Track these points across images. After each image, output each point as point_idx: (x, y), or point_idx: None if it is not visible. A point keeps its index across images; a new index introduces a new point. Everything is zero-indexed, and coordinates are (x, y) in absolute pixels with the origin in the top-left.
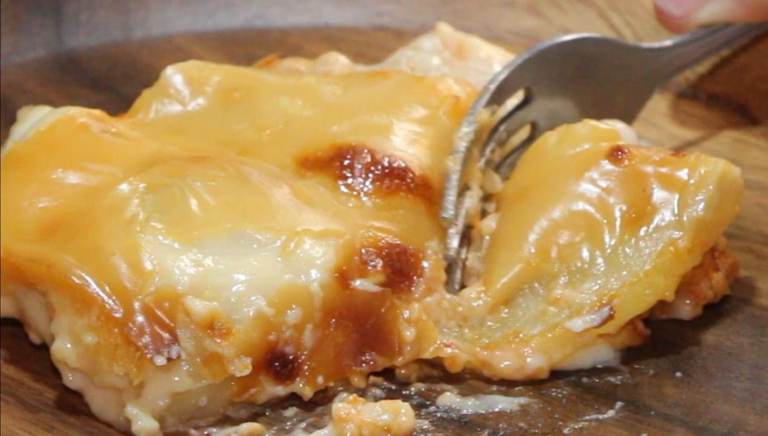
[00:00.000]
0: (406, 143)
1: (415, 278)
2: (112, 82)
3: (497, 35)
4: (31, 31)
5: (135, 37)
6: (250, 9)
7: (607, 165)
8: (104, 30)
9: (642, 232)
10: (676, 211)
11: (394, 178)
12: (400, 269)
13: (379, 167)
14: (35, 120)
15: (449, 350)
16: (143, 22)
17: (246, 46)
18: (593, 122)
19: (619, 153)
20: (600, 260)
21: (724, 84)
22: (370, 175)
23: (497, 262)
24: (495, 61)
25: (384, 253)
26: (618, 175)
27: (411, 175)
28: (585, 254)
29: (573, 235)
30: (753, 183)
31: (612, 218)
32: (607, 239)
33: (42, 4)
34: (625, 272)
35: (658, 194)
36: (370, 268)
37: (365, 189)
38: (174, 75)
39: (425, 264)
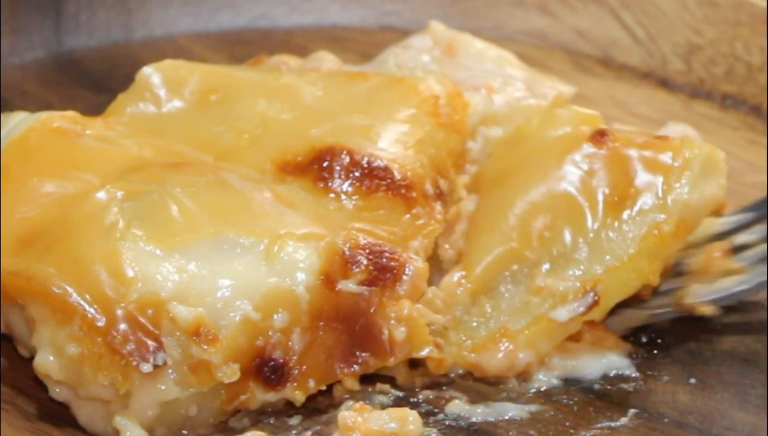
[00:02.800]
0: (385, 144)
1: (400, 276)
2: (113, 84)
3: (507, 35)
4: (30, 32)
5: (136, 38)
6: (253, 9)
7: (589, 148)
8: (105, 30)
9: (625, 215)
10: (659, 195)
11: (374, 179)
12: (384, 268)
13: (359, 168)
14: (9, 127)
15: (438, 353)
16: (144, 22)
17: (249, 47)
18: (576, 107)
19: (602, 136)
20: (582, 245)
21: (738, 85)
22: (350, 176)
23: (477, 246)
24: (486, 57)
25: (367, 253)
26: (600, 158)
27: (391, 175)
28: (567, 238)
29: (554, 219)
30: None
31: (594, 202)
32: (589, 223)
33: (41, 5)
34: (608, 257)
35: (642, 177)
36: (354, 268)
37: (346, 191)
38: (151, 75)
39: (409, 263)
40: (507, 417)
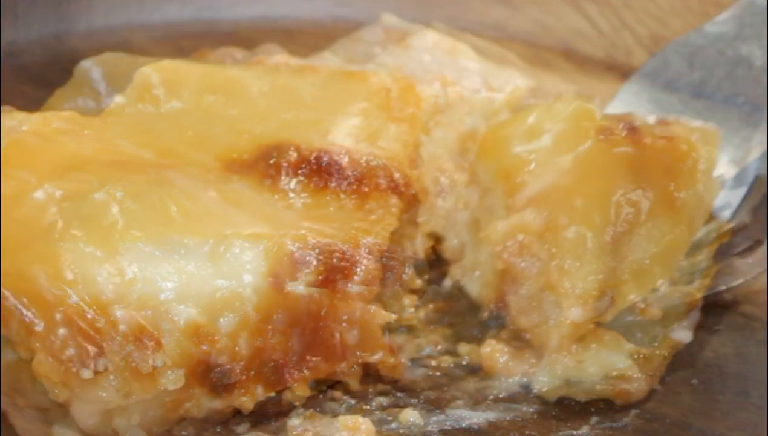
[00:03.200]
0: (335, 138)
1: (351, 277)
2: (53, 78)
3: (463, 27)
4: None
5: (77, 30)
6: None
7: (599, 145)
8: (44, 22)
9: (640, 218)
10: (672, 198)
11: (323, 175)
12: (334, 269)
13: (307, 164)
14: None
15: (393, 358)
16: (86, 13)
17: (195, 39)
18: (577, 101)
19: (610, 133)
20: (592, 244)
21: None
22: (298, 173)
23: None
24: (440, 49)
25: (316, 253)
26: (611, 157)
27: (341, 170)
28: (578, 236)
29: (566, 216)
30: None
31: (607, 202)
32: (602, 223)
33: None
34: (628, 260)
35: (653, 179)
36: (303, 269)
37: (294, 188)
38: (91, 69)
39: (360, 263)
40: (463, 425)
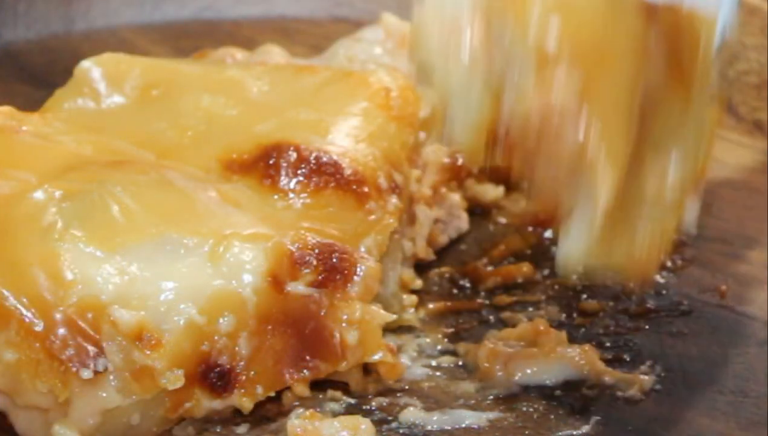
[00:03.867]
0: (335, 138)
1: (351, 277)
2: (53, 78)
3: None
4: None
5: (77, 30)
6: None
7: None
8: (44, 22)
9: (658, 92)
10: (684, 77)
11: (322, 175)
12: (334, 269)
13: (307, 164)
14: None
15: (393, 358)
16: (85, 13)
17: (195, 39)
18: None
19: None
20: (625, 114)
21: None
22: (298, 173)
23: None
24: None
25: (316, 253)
26: (637, 31)
27: (340, 170)
28: (614, 105)
29: (602, 79)
30: (738, 183)
31: (635, 70)
32: (631, 90)
33: None
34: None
35: (668, 56)
36: (303, 269)
37: (294, 188)
38: (91, 69)
39: (360, 263)
40: (464, 425)
